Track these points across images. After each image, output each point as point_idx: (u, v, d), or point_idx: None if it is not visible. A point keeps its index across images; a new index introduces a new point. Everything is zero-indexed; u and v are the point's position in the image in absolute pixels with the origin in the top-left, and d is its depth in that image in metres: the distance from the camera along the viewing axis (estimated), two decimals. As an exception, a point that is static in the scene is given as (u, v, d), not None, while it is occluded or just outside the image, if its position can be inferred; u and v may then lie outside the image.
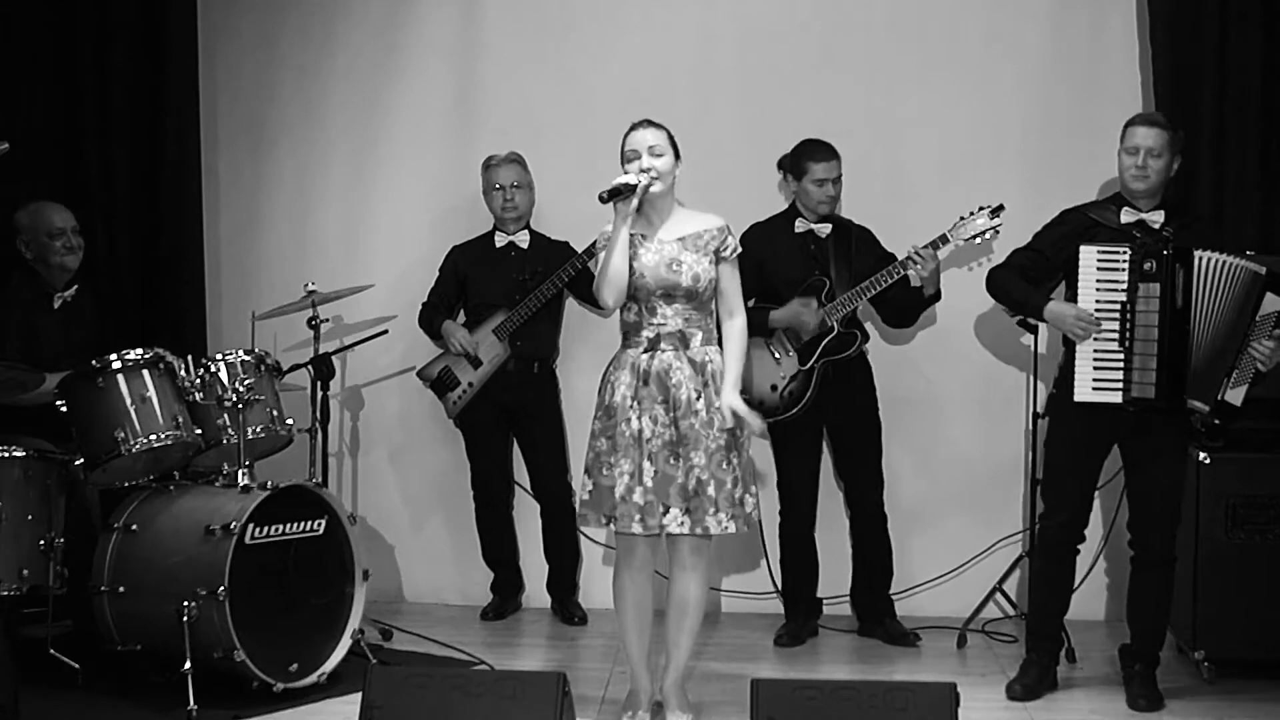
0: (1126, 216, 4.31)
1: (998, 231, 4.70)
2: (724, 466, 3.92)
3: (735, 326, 4.03)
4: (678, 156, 4.01)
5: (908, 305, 4.91)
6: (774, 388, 4.89)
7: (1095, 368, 4.20)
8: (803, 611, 5.12)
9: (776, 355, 4.90)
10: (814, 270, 4.91)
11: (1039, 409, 4.94)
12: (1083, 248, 4.23)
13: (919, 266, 4.72)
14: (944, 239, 4.75)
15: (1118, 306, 4.19)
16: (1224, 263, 4.13)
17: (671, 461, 3.90)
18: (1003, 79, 5.36)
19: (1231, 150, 5.10)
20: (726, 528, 3.92)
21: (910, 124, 5.33)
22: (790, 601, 5.15)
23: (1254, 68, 5.08)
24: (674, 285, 3.95)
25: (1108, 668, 4.61)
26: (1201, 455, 4.53)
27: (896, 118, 5.33)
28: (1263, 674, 4.54)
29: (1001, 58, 5.36)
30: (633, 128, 4.00)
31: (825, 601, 5.22)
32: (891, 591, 5.16)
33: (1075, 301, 4.23)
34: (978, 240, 4.74)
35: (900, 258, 4.78)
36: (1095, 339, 4.20)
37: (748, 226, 4.98)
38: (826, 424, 5.06)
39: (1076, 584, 5.20)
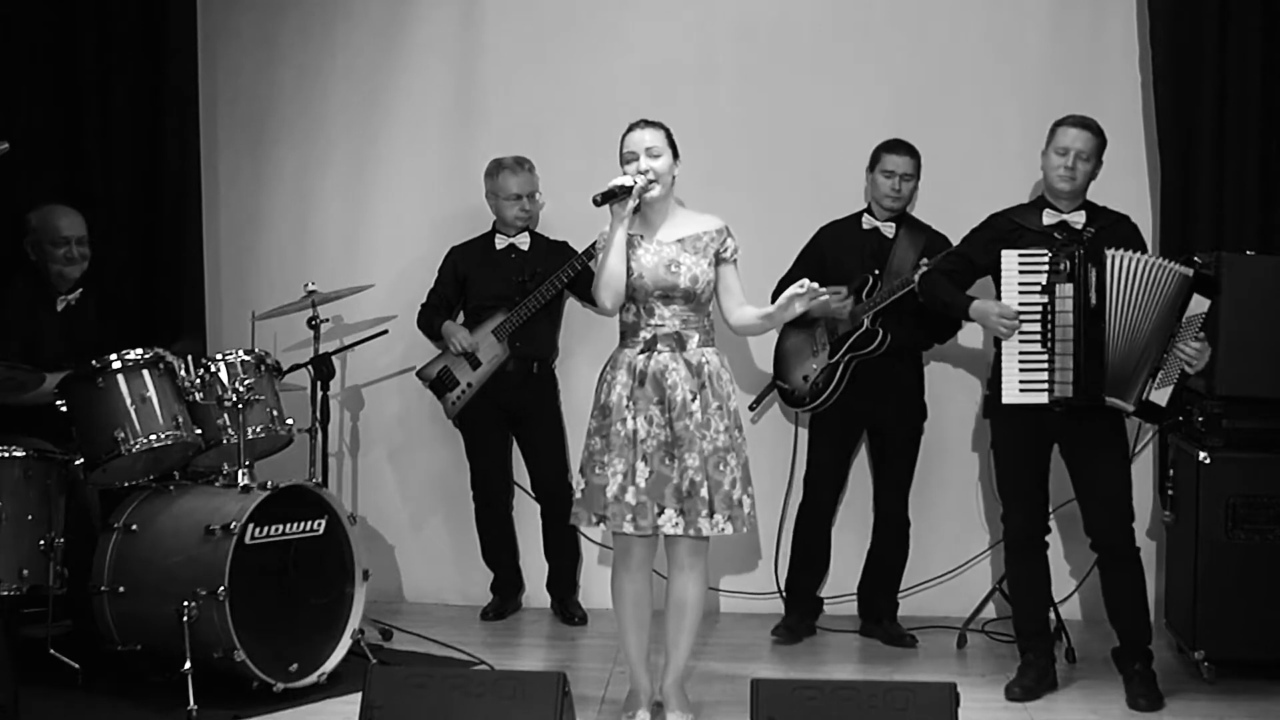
0: (1048, 218, 4.36)
1: None
2: (720, 468, 3.92)
3: (748, 307, 4.04)
4: (676, 156, 4.01)
5: (929, 320, 4.91)
6: (805, 378, 4.96)
7: (1020, 369, 4.25)
8: (801, 608, 5.13)
9: (814, 348, 4.95)
10: (872, 267, 4.92)
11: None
12: (1004, 252, 4.29)
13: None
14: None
15: (1039, 308, 4.23)
16: (1140, 261, 4.18)
17: (667, 462, 3.90)
18: (1003, 79, 5.36)
19: (1231, 150, 5.10)
20: (724, 529, 3.92)
21: (910, 124, 5.32)
22: (792, 596, 5.16)
23: (1254, 68, 5.08)
24: (672, 286, 3.95)
25: (1107, 667, 4.61)
26: (1201, 455, 4.53)
27: (896, 117, 5.32)
28: (1263, 674, 4.54)
29: (1001, 58, 5.36)
30: (630, 128, 4.00)
31: (827, 601, 5.23)
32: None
33: None
34: None
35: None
36: (1020, 341, 4.25)
37: (825, 224, 5.05)
38: (869, 429, 5.09)
39: (1076, 585, 5.25)
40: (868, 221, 5.01)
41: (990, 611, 5.18)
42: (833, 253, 5.00)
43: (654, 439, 3.91)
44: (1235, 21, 5.08)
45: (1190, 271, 4.19)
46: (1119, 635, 4.44)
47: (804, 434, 5.21)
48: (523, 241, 5.26)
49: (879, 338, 4.88)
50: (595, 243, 4.06)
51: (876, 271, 4.91)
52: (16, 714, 3.65)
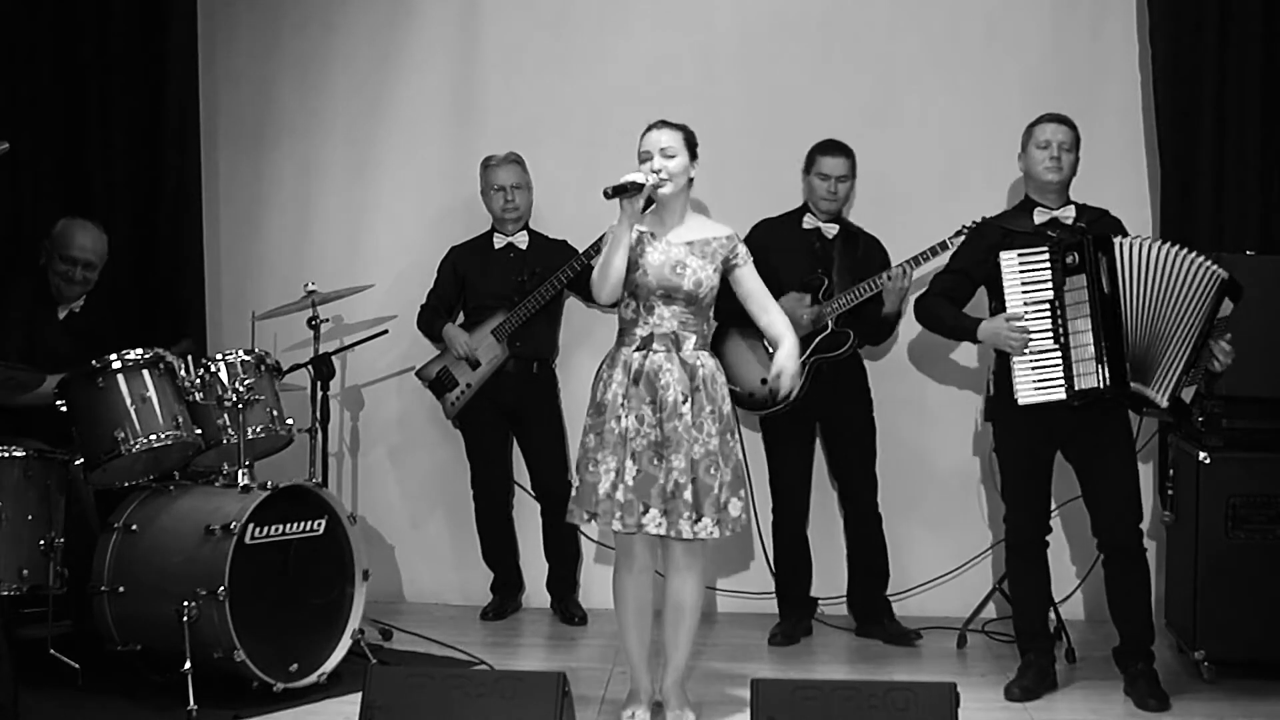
0: (1039, 217, 4.35)
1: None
2: (712, 471, 3.92)
3: (776, 320, 4.05)
4: (694, 158, 4.01)
5: (876, 323, 4.92)
6: (764, 381, 4.88)
7: (1034, 368, 4.22)
8: (795, 610, 5.13)
9: (770, 349, 4.90)
10: (816, 268, 4.91)
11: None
12: (1003, 253, 4.26)
13: (893, 281, 4.73)
14: (943, 245, 4.77)
15: (1047, 305, 4.21)
16: (1155, 250, 4.14)
17: (655, 462, 3.91)
18: (1003, 79, 5.36)
19: (1231, 150, 5.10)
20: (712, 533, 3.92)
21: (910, 123, 5.34)
22: (784, 600, 5.16)
23: (1254, 67, 5.09)
24: (675, 288, 3.95)
25: (1108, 668, 4.60)
26: (1201, 455, 4.53)
27: (897, 117, 5.33)
28: (1263, 674, 4.54)
29: (1001, 57, 5.36)
30: (649, 128, 4.00)
31: (822, 601, 5.23)
32: (890, 592, 5.16)
33: (1004, 309, 4.25)
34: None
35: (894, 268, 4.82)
36: (1030, 340, 4.21)
37: (756, 221, 5.01)
38: (820, 424, 5.07)
39: (1076, 585, 5.25)
40: (809, 221, 4.99)
41: (990, 611, 5.17)
42: (773, 249, 4.87)
43: (644, 438, 3.91)
44: (1235, 21, 5.08)
45: (1227, 275, 4.17)
46: (1122, 635, 4.43)
47: (747, 438, 5.18)
48: (521, 240, 5.25)
49: (849, 340, 4.87)
50: (597, 243, 4.07)
51: (820, 271, 4.89)
52: (16, 714, 3.65)
